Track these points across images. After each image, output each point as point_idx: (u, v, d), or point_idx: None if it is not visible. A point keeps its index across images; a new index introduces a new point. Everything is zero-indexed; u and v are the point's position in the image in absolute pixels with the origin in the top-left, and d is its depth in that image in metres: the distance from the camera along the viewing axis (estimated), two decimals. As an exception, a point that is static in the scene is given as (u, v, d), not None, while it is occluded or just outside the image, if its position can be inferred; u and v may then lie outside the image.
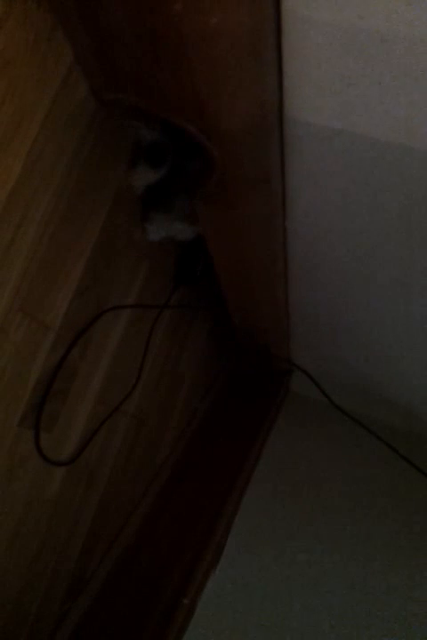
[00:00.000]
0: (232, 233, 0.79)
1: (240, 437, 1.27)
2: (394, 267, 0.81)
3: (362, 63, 0.50)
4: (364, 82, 0.52)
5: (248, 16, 0.47)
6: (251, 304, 1.04)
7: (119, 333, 0.82)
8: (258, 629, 1.00)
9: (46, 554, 0.80)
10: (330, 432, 1.33)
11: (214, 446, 1.25)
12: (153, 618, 0.94)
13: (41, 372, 0.66)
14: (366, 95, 0.53)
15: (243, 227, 0.77)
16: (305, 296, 1.01)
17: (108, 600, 1.00)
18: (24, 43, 0.50)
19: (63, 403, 0.72)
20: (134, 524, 1.06)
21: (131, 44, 0.51)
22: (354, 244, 0.78)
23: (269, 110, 0.57)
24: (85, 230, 0.68)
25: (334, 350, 1.22)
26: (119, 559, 1.03)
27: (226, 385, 1.37)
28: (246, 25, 0.47)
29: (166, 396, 1.09)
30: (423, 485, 1.18)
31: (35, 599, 0.78)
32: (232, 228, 0.78)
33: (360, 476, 1.26)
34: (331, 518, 1.20)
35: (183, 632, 0.92)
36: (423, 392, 1.18)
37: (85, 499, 0.86)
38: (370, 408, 1.34)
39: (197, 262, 1.01)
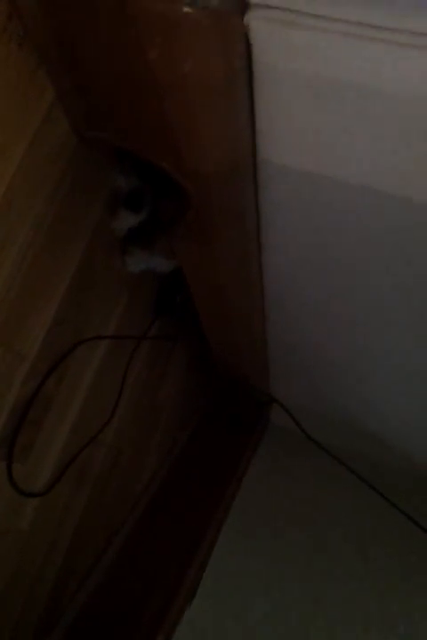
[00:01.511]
0: (208, 267, 0.81)
1: (219, 470, 1.27)
2: (368, 302, 0.83)
3: (329, 111, 0.52)
4: (331, 128, 0.54)
5: (220, 65, 0.49)
6: (229, 336, 1.05)
7: (96, 364, 0.82)
8: (232, 666, 0.99)
9: (17, 587, 0.79)
10: (309, 465, 1.33)
11: (192, 478, 1.25)
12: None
13: (15, 402, 0.66)
14: (333, 141, 0.55)
15: (219, 262, 0.79)
16: (283, 329, 1.03)
17: (81, 637, 0.97)
18: (5, 81, 0.52)
19: (37, 433, 0.72)
20: (109, 558, 1.05)
21: (109, 86, 0.53)
22: (328, 280, 0.81)
23: (243, 152, 0.59)
24: (64, 262, 0.69)
25: (312, 383, 1.23)
26: (92, 594, 1.01)
27: (205, 416, 1.37)
28: (219, 72, 0.50)
29: (144, 426, 1.09)
30: (406, 526, 1.18)
31: (3, 633, 0.76)
32: (208, 263, 0.79)
33: (339, 512, 1.26)
34: (307, 552, 1.19)
35: (156, 669, 0.91)
36: (401, 428, 1.19)
37: (59, 531, 0.85)
38: (349, 441, 1.35)
39: (176, 293, 1.02)
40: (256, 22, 0.47)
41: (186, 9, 0.44)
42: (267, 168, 0.62)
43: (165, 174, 0.61)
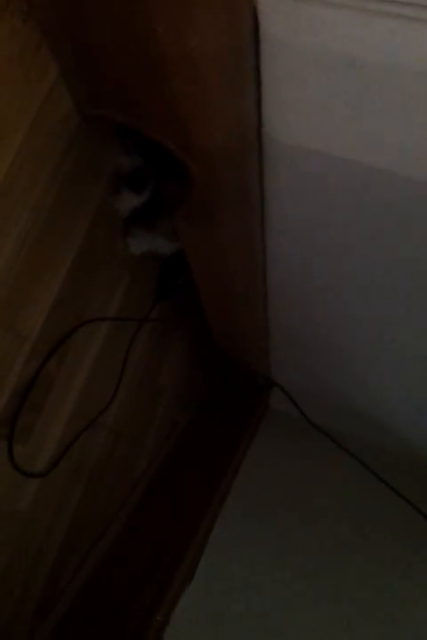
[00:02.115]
0: (211, 249, 0.80)
1: (217, 454, 1.27)
2: (373, 287, 0.82)
3: (334, 87, 0.52)
4: (336, 105, 0.53)
5: (227, 39, 0.48)
6: (230, 319, 1.05)
7: (98, 346, 0.82)
8: (232, 646, 1.00)
9: (16, 568, 0.79)
10: (309, 449, 1.33)
11: (190, 463, 1.25)
12: (125, 635, 0.93)
13: (16, 384, 0.65)
14: (338, 118, 0.55)
15: (222, 243, 0.78)
16: (285, 314, 1.02)
17: (79, 617, 0.98)
18: (8, 57, 0.51)
19: (39, 414, 0.72)
20: (108, 539, 1.05)
21: (114, 62, 0.52)
22: (333, 264, 0.80)
23: (248, 129, 0.58)
24: (66, 243, 0.68)
25: (313, 368, 1.23)
26: (91, 575, 1.01)
27: (206, 399, 1.37)
28: (225, 47, 0.49)
29: (145, 408, 1.09)
30: (407, 511, 1.19)
31: (2, 614, 0.76)
32: (211, 245, 0.79)
33: (338, 496, 1.27)
34: (305, 537, 1.20)
35: (156, 649, 0.91)
36: (403, 412, 1.20)
37: (59, 512, 0.85)
38: (350, 426, 1.35)
39: (178, 275, 1.02)
40: (264, -5, 0.47)
41: (194, -19, 0.44)
42: (273, 146, 0.61)
43: (169, 154, 0.61)
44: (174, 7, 0.45)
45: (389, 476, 1.24)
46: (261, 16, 0.48)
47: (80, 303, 0.76)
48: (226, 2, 0.46)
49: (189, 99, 0.52)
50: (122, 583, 1.09)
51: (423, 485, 1.26)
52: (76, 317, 0.76)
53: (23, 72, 0.53)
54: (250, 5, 0.47)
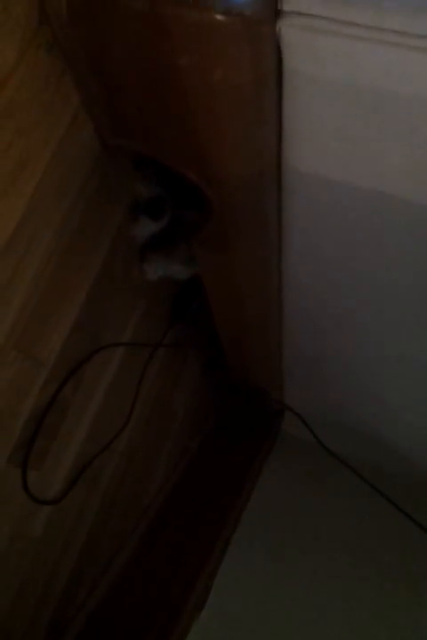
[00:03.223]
0: (228, 274, 0.80)
1: (230, 477, 1.26)
2: (390, 315, 0.82)
3: (359, 119, 0.52)
4: (361, 136, 0.53)
5: (250, 72, 0.48)
6: (245, 343, 1.04)
7: (113, 371, 0.82)
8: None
9: (27, 594, 0.78)
10: (322, 475, 1.32)
11: (202, 487, 1.24)
12: (136, 665, 0.91)
13: (32, 409, 0.65)
14: (362, 149, 0.55)
15: (238, 269, 0.78)
16: (300, 338, 1.02)
17: (90, 645, 0.96)
18: (33, 86, 0.51)
19: (53, 440, 0.71)
20: (119, 565, 1.04)
21: (136, 93, 0.53)
22: (350, 290, 0.80)
23: (268, 160, 0.58)
24: (84, 269, 0.68)
25: (327, 393, 1.22)
26: (102, 602, 1.00)
27: (218, 423, 1.36)
28: (248, 80, 0.49)
29: (157, 433, 1.08)
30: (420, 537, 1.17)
31: (15, 639, 0.75)
32: (228, 270, 0.79)
33: (350, 524, 1.24)
34: (317, 565, 1.18)
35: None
36: (421, 439, 1.18)
37: (70, 537, 0.84)
38: (363, 451, 1.33)
39: (193, 300, 1.01)
40: (288, 29, 0.47)
41: (219, 16, 0.44)
42: (292, 176, 0.61)
43: (187, 182, 0.61)
44: (198, 41, 0.46)
45: (404, 502, 1.22)
46: (284, 49, 0.48)
47: (96, 328, 0.76)
48: (249, 36, 0.46)
49: (211, 131, 0.52)
50: (132, 610, 1.08)
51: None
52: (92, 343, 0.76)
53: (47, 100, 0.53)
54: (273, 39, 0.47)
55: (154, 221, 0.75)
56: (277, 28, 0.47)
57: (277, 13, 0.46)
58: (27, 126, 0.51)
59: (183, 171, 0.60)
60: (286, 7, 0.46)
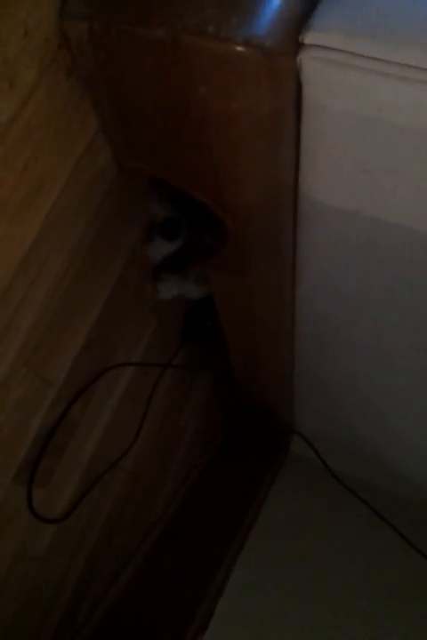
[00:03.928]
0: (241, 297, 0.79)
1: (237, 498, 1.24)
2: (405, 344, 0.80)
3: (379, 153, 0.51)
4: (380, 170, 0.53)
5: (269, 103, 0.48)
6: (256, 365, 1.03)
7: (121, 390, 0.81)
8: None
9: (30, 612, 0.77)
10: (330, 501, 1.29)
11: (210, 505, 1.22)
12: None
13: (40, 428, 0.65)
14: (381, 182, 0.54)
15: (251, 293, 0.77)
16: (312, 365, 1.01)
17: (90, 664, 0.95)
18: (52, 110, 0.51)
19: (59, 458, 0.71)
20: (122, 583, 1.03)
21: (155, 119, 0.53)
22: (363, 319, 0.78)
23: (285, 189, 0.58)
24: (96, 289, 0.68)
25: (338, 418, 1.20)
26: (105, 619, 0.99)
27: (226, 442, 1.35)
28: (266, 111, 0.48)
29: (165, 451, 1.08)
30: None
31: (14, 662, 0.74)
32: (241, 294, 0.78)
33: (357, 553, 1.22)
34: (322, 593, 1.16)
35: None
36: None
37: (74, 556, 0.84)
38: (373, 474, 1.31)
39: (205, 319, 1.01)
40: (309, 62, 0.46)
41: (238, 47, 0.44)
42: (308, 205, 0.61)
43: (204, 207, 0.60)
44: (217, 71, 0.45)
45: (415, 534, 1.19)
46: (304, 82, 0.48)
47: (107, 347, 0.75)
48: (269, 67, 0.45)
49: (228, 159, 0.52)
50: (135, 630, 1.06)
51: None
52: (103, 362, 0.75)
53: (64, 123, 0.53)
54: (293, 70, 0.47)
55: (169, 242, 0.75)
56: (298, 61, 0.46)
57: (298, 45, 0.46)
58: (43, 149, 0.51)
59: (199, 197, 0.59)
60: (307, 40, 0.46)
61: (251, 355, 0.98)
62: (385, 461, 1.25)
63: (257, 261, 0.69)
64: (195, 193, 0.58)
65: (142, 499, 1.03)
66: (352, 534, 1.24)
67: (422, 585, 1.18)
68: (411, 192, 0.54)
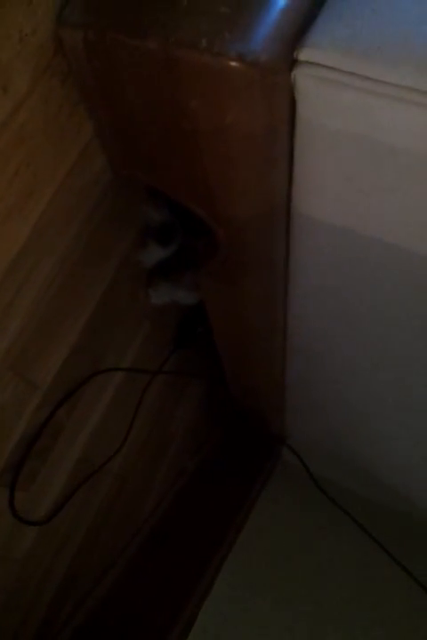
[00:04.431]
0: (233, 306, 0.79)
1: (225, 504, 1.24)
2: (395, 359, 0.80)
3: (371, 172, 0.51)
4: (372, 189, 0.52)
5: (262, 118, 0.48)
6: (247, 374, 1.03)
7: (110, 395, 0.81)
8: None
9: (10, 612, 0.77)
10: (318, 512, 1.29)
11: (198, 511, 1.22)
12: None
13: (24, 431, 0.65)
14: (373, 202, 0.54)
15: (243, 303, 0.77)
16: (303, 375, 1.00)
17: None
18: (45, 116, 0.51)
19: (44, 461, 0.71)
20: (106, 586, 1.03)
21: (148, 130, 0.53)
22: (354, 334, 0.78)
23: (277, 204, 0.57)
24: (87, 294, 0.68)
25: (328, 427, 1.20)
26: (86, 621, 0.98)
27: (216, 448, 1.34)
28: (260, 126, 0.48)
29: (153, 456, 1.07)
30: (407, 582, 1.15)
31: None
32: (233, 302, 0.78)
33: (341, 566, 1.22)
34: (305, 606, 1.16)
35: None
36: (422, 481, 1.15)
37: (57, 558, 0.84)
38: (362, 486, 1.31)
39: (198, 325, 1.01)
40: (303, 79, 0.46)
41: (232, 62, 0.43)
42: (301, 221, 0.60)
43: (197, 218, 0.60)
44: (210, 85, 0.45)
45: (399, 548, 1.19)
46: (298, 98, 0.47)
47: (97, 351, 0.75)
48: (263, 83, 0.45)
49: (220, 172, 0.52)
50: (118, 631, 1.06)
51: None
52: (92, 366, 0.75)
53: (58, 130, 0.53)
54: (288, 87, 0.47)
55: (163, 247, 0.75)
56: (292, 77, 0.46)
57: (292, 62, 0.46)
58: (35, 155, 0.51)
59: (192, 207, 0.59)
60: (301, 57, 0.45)
61: (242, 363, 0.98)
62: (376, 474, 1.25)
63: (249, 272, 0.69)
64: (187, 203, 0.58)
65: (129, 502, 1.03)
66: (336, 545, 1.24)
67: (404, 600, 1.18)
68: (403, 212, 0.54)
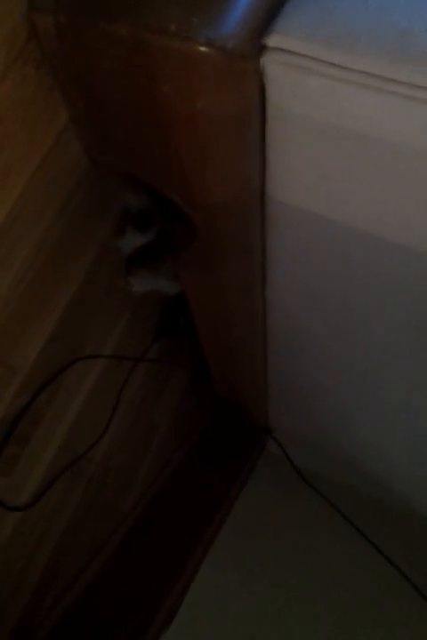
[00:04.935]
0: (212, 295, 0.80)
1: (210, 493, 1.25)
2: (369, 345, 0.82)
3: (338, 158, 0.52)
4: (340, 175, 0.53)
5: (233, 104, 0.49)
6: (229, 363, 1.04)
7: (91, 382, 0.82)
8: None
9: (-8, 599, 0.78)
10: (301, 500, 1.31)
11: (183, 500, 1.23)
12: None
13: (3, 416, 0.65)
14: (340, 186, 0.55)
15: (222, 291, 0.78)
16: (284, 363, 1.01)
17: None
18: (19, 102, 0.52)
19: (25, 447, 0.71)
20: (90, 575, 1.03)
21: (123, 116, 0.53)
22: (330, 321, 0.79)
23: (251, 189, 0.58)
24: (66, 279, 0.68)
25: (310, 416, 1.21)
26: (69, 610, 0.99)
27: (202, 438, 1.35)
28: (231, 112, 0.49)
29: (138, 445, 1.08)
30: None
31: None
32: (212, 291, 0.79)
33: (324, 558, 1.24)
34: (288, 597, 1.17)
35: None
36: (402, 470, 1.17)
37: (39, 545, 0.84)
38: (345, 476, 1.33)
39: (181, 315, 1.01)
40: (271, 65, 0.47)
41: (201, 48, 0.44)
42: (275, 206, 0.61)
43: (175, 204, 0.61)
44: (180, 70, 0.46)
45: (381, 537, 1.21)
46: (267, 85, 0.48)
47: (77, 338, 0.76)
48: (232, 69, 0.46)
49: (193, 158, 0.52)
50: (100, 622, 1.07)
51: (414, 550, 1.23)
52: (72, 352, 0.76)
53: (33, 116, 0.54)
54: (257, 74, 0.48)
55: (141, 234, 0.75)
56: (261, 63, 0.47)
57: (261, 48, 0.47)
58: (8, 141, 0.51)
59: (168, 193, 0.60)
60: (270, 43, 0.46)
61: (224, 353, 0.99)
62: (356, 463, 1.26)
63: (226, 260, 0.70)
64: (164, 189, 0.59)
65: (113, 491, 1.03)
66: (320, 535, 1.25)
67: (386, 588, 1.20)
68: (371, 199, 0.55)
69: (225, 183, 0.57)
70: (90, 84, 0.52)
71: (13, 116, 0.51)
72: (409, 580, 1.13)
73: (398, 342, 0.77)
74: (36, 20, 0.49)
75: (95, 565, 1.05)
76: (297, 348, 0.92)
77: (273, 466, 1.40)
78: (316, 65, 0.46)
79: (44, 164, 0.57)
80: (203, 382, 1.16)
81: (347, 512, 1.26)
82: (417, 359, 0.78)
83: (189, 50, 0.44)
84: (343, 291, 0.70)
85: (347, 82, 0.46)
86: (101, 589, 1.06)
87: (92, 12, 0.46)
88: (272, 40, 0.46)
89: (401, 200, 0.52)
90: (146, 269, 0.81)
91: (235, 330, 0.89)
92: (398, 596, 1.19)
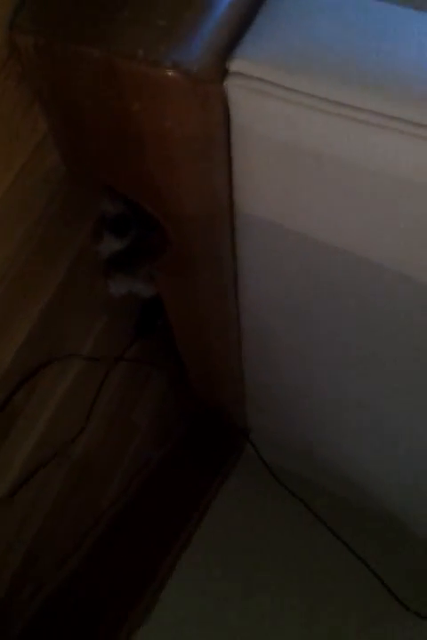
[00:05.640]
0: (186, 300, 0.83)
1: (187, 495, 1.28)
2: (338, 352, 0.85)
3: (298, 177, 0.55)
4: (300, 190, 0.57)
5: (199, 124, 0.52)
6: (206, 366, 1.07)
7: (69, 381, 0.84)
8: None
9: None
10: (277, 503, 1.34)
11: (160, 500, 1.26)
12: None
13: (-20, 412, 0.68)
14: (302, 202, 0.58)
15: (196, 297, 0.81)
16: (259, 366, 1.05)
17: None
18: (0, 115, 0.55)
19: (1, 443, 0.74)
20: (66, 572, 1.06)
21: (97, 131, 0.57)
22: (300, 329, 0.83)
23: (220, 203, 0.62)
24: (44, 282, 0.71)
25: (287, 418, 1.24)
26: (44, 607, 1.01)
27: (181, 439, 1.38)
28: (197, 132, 0.52)
29: (116, 444, 1.11)
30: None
31: None
32: (186, 296, 0.82)
33: (299, 560, 1.27)
34: (262, 599, 1.20)
35: None
36: (376, 472, 1.20)
37: (16, 539, 0.87)
38: (322, 478, 1.36)
39: (159, 316, 1.04)
40: (234, 89, 0.50)
41: (167, 71, 0.48)
42: (243, 219, 0.65)
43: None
44: (148, 92, 0.49)
45: (355, 539, 1.24)
46: (231, 107, 0.52)
47: (55, 338, 0.78)
48: (196, 91, 0.49)
49: (163, 173, 0.56)
50: (77, 614, 1.09)
51: (388, 553, 1.26)
52: (50, 352, 0.78)
53: (12, 128, 0.57)
54: (221, 97, 0.51)
55: (118, 239, 0.78)
56: (225, 87, 0.50)
57: (224, 72, 0.50)
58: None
59: (141, 203, 0.63)
60: (232, 67, 0.50)
61: (200, 355, 1.02)
62: (332, 466, 1.30)
63: (198, 267, 0.73)
64: (136, 199, 0.62)
65: (91, 489, 1.06)
66: (295, 535, 1.28)
67: (360, 588, 1.23)
68: (330, 213, 0.59)
69: (195, 197, 0.60)
70: (67, 100, 0.55)
71: (-7, 129, 0.54)
72: (382, 580, 1.17)
73: (365, 347, 0.80)
74: (16, 39, 0.52)
75: (72, 562, 1.07)
76: (272, 352, 0.95)
77: (251, 466, 1.43)
78: (274, 89, 0.49)
79: (23, 172, 0.60)
80: (182, 383, 1.19)
81: (322, 513, 1.29)
82: (383, 364, 0.81)
83: (155, 74, 0.48)
84: (308, 300, 0.74)
85: (301, 105, 0.49)
86: (76, 586, 1.08)
87: (67, 35, 0.49)
88: (234, 65, 0.50)
89: (356, 213, 0.56)
90: (123, 273, 0.84)
91: (209, 334, 0.92)
92: (371, 596, 1.22)
